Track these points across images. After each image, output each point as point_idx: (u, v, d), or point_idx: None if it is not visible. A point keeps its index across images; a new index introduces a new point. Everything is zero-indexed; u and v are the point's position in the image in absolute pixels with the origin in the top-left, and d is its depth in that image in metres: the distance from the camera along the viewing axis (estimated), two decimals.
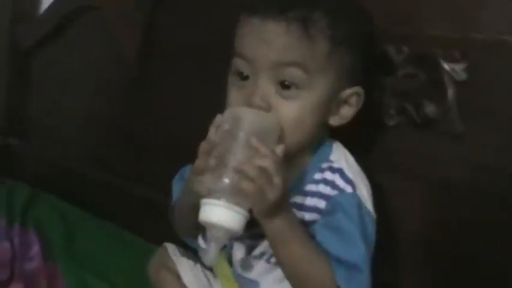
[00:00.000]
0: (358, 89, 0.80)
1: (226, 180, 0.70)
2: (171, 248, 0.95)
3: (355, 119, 0.91)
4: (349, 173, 0.79)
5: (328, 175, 0.80)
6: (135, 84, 1.37)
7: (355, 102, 0.80)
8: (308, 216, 0.79)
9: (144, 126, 1.37)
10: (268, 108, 0.75)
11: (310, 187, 0.80)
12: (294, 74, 0.75)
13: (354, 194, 0.78)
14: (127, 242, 1.28)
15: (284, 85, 0.76)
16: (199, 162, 0.74)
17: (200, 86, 1.21)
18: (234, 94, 0.80)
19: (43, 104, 1.67)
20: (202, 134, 1.17)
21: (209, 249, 0.73)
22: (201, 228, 0.82)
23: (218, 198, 0.70)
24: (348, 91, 0.79)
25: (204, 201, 0.71)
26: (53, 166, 1.61)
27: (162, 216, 1.27)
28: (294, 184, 0.79)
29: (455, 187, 0.85)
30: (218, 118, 0.76)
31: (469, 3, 0.83)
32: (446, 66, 0.83)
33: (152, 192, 1.32)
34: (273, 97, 0.76)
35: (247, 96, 0.76)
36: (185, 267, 0.92)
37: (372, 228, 0.77)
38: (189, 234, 0.90)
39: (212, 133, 0.75)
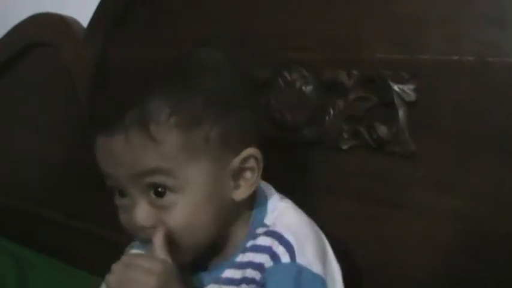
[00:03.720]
0: (248, 151, 0.71)
1: None
2: None
3: (311, 144, 0.92)
4: (289, 237, 0.70)
5: (265, 241, 0.71)
6: (87, 122, 1.35)
7: (254, 164, 0.71)
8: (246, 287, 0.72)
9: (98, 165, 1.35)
10: (151, 225, 0.69)
11: (244, 257, 0.72)
12: (155, 180, 0.67)
13: (291, 263, 0.68)
14: (82, 281, 1.24)
15: (158, 192, 0.68)
16: None
17: None
18: (122, 217, 0.73)
19: None
20: None
21: None
22: None
23: None
24: (237, 159, 0.70)
25: None
26: (5, 207, 1.57)
27: (119, 255, 1.25)
28: (229, 258, 0.74)
29: (414, 207, 0.85)
30: None
31: (414, 24, 0.85)
32: (395, 87, 0.84)
33: (108, 231, 1.29)
34: (152, 212, 0.69)
35: (130, 215, 0.70)
36: None
37: None
38: None
39: None
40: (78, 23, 1.37)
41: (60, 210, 1.43)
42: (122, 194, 0.71)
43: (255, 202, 0.75)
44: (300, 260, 0.69)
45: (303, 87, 0.93)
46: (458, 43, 0.82)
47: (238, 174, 0.71)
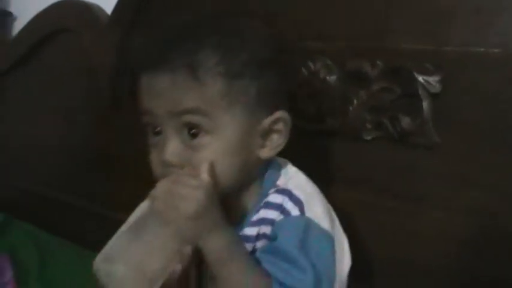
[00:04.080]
0: (279, 114, 0.75)
1: None
2: None
3: (333, 134, 0.92)
4: (298, 193, 0.74)
5: (276, 198, 0.74)
6: (109, 106, 1.36)
7: (282, 127, 0.75)
8: (258, 245, 0.74)
9: (120, 150, 1.35)
10: (180, 164, 0.71)
11: (258, 215, 0.75)
12: (193, 120, 0.71)
13: (301, 216, 0.72)
14: None
15: (192, 134, 0.72)
16: None
17: None
18: (152, 154, 0.76)
19: (15, 129, 1.65)
20: None
21: None
22: None
23: None
24: (268, 120, 0.74)
25: None
26: (26, 192, 1.58)
27: None
28: (244, 217, 0.77)
29: (434, 200, 0.85)
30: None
31: (439, 16, 0.84)
32: (420, 79, 0.83)
33: (125, 215, 1.30)
34: (184, 150, 0.72)
35: (160, 152, 0.73)
36: None
37: (325, 250, 0.71)
38: None
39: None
40: (102, 10, 1.37)
41: (79, 195, 1.44)
42: (156, 132, 0.75)
43: (269, 168, 0.78)
44: (308, 214, 0.72)
45: (327, 77, 0.92)
46: (484, 35, 0.81)
47: (266, 134, 0.75)
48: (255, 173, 0.77)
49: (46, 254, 1.27)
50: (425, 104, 0.84)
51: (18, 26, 1.70)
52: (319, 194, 0.76)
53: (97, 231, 1.35)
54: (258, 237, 0.74)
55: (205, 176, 0.69)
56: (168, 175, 0.71)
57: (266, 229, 0.74)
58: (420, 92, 0.84)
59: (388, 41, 0.89)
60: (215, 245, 0.68)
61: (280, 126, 0.75)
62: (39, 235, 1.37)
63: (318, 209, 0.74)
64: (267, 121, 0.74)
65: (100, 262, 0.67)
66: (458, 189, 0.83)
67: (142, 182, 1.29)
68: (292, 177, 0.77)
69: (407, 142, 0.86)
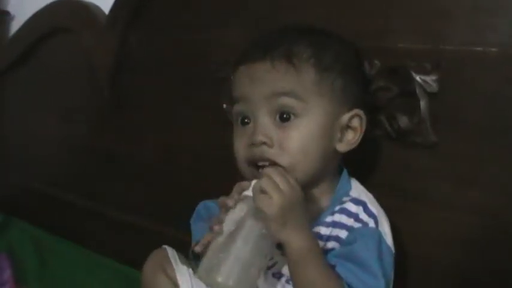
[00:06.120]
0: (357, 111, 0.81)
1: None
2: (171, 252, 0.89)
3: None
4: (372, 208, 0.80)
5: (352, 207, 0.80)
6: (108, 105, 1.36)
7: (358, 125, 0.81)
8: (328, 245, 0.79)
9: (120, 147, 1.36)
10: (270, 142, 0.77)
11: (332, 218, 0.80)
12: (288, 102, 0.77)
13: (376, 229, 0.78)
14: (101, 265, 1.26)
15: (283, 117, 0.78)
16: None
17: (178, 104, 1.20)
18: (238, 140, 0.82)
19: (14, 128, 1.65)
20: (182, 154, 1.18)
21: None
22: None
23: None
24: (347, 115, 0.80)
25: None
26: (25, 191, 1.58)
27: (137, 238, 1.26)
28: (316, 216, 0.80)
29: (431, 199, 0.85)
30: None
31: (437, 15, 0.85)
32: (418, 78, 0.84)
33: (127, 215, 1.30)
34: (274, 131, 0.78)
35: (250, 137, 0.79)
36: (185, 277, 0.86)
37: (390, 264, 0.77)
38: None
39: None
40: (99, 9, 1.37)
41: (79, 194, 1.44)
42: (244, 122, 0.81)
43: (340, 177, 0.84)
44: (380, 229, 0.79)
45: None
46: (482, 34, 0.81)
47: (343, 130, 0.81)
48: (330, 168, 0.82)
49: (45, 253, 1.28)
50: (422, 103, 0.84)
51: (15, 25, 1.69)
52: (383, 211, 0.81)
53: (97, 230, 1.37)
54: (330, 238, 0.79)
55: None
56: (254, 156, 0.78)
57: (339, 232, 0.79)
58: (418, 91, 0.84)
59: (386, 40, 0.89)
60: (298, 244, 0.72)
61: (356, 123, 0.81)
62: (38, 234, 1.38)
63: (385, 226, 0.79)
64: (346, 116, 0.80)
65: (202, 272, 0.72)
66: (456, 188, 0.83)
67: (142, 181, 1.31)
68: (363, 192, 0.83)
69: (404, 141, 0.86)
